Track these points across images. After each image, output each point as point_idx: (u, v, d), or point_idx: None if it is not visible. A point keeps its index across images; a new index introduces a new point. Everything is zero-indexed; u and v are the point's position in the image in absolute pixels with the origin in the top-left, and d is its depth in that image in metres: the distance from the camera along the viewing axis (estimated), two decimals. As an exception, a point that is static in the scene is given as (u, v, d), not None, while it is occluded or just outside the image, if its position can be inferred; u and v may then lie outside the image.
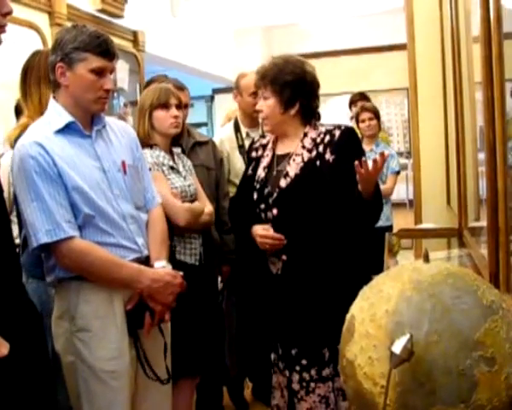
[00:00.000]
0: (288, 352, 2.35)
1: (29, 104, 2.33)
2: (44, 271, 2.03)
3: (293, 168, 2.29)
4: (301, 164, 2.27)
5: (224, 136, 3.42)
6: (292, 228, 2.27)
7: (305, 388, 2.31)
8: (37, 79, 2.25)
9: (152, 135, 2.63)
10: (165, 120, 2.62)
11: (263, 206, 2.34)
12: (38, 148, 1.88)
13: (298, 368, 2.32)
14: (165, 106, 2.62)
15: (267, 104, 2.32)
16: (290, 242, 2.28)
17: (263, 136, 2.67)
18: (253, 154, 2.51)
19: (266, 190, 2.34)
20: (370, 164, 2.02)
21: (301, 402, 2.33)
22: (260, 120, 2.52)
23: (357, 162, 2.04)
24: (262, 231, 2.31)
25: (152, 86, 2.78)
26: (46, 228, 1.87)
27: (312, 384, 2.30)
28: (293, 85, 2.28)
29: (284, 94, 2.28)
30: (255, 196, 2.38)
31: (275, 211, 2.29)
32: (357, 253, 2.35)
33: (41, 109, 2.18)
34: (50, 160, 1.88)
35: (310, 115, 2.35)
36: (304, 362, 2.31)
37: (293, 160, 2.30)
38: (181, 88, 2.98)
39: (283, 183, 2.28)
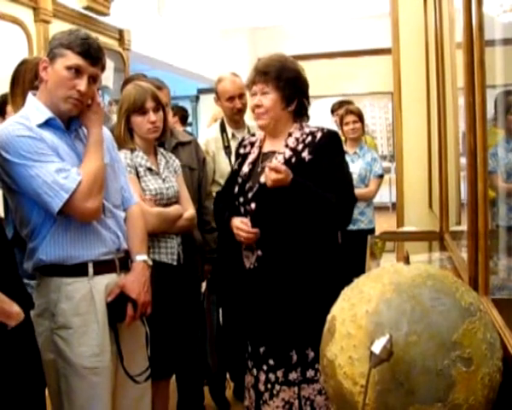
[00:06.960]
0: (256, 350, 2.36)
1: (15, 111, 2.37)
2: (25, 257, 2.01)
3: None
4: (282, 162, 2.30)
5: (210, 136, 3.42)
6: (268, 223, 2.30)
7: (269, 390, 2.32)
8: (22, 89, 2.27)
9: (129, 138, 2.56)
10: (142, 125, 2.55)
11: (242, 199, 2.37)
12: (27, 131, 1.87)
13: (265, 368, 2.33)
14: (141, 111, 2.53)
15: (269, 99, 2.32)
16: (266, 236, 2.30)
17: (253, 134, 2.67)
18: (241, 150, 2.54)
19: (247, 185, 2.38)
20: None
21: (265, 406, 2.33)
22: (253, 117, 2.49)
23: (270, 166, 2.17)
24: (239, 223, 2.33)
25: (128, 87, 2.66)
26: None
27: (277, 387, 2.30)
28: (294, 82, 2.33)
29: (286, 90, 2.31)
30: (236, 189, 2.41)
31: (253, 205, 2.32)
32: (333, 255, 2.38)
33: None
34: (41, 139, 1.88)
35: (301, 115, 2.39)
36: (271, 362, 2.31)
37: (276, 157, 2.33)
38: (160, 87, 2.89)
39: (263, 178, 2.30)
